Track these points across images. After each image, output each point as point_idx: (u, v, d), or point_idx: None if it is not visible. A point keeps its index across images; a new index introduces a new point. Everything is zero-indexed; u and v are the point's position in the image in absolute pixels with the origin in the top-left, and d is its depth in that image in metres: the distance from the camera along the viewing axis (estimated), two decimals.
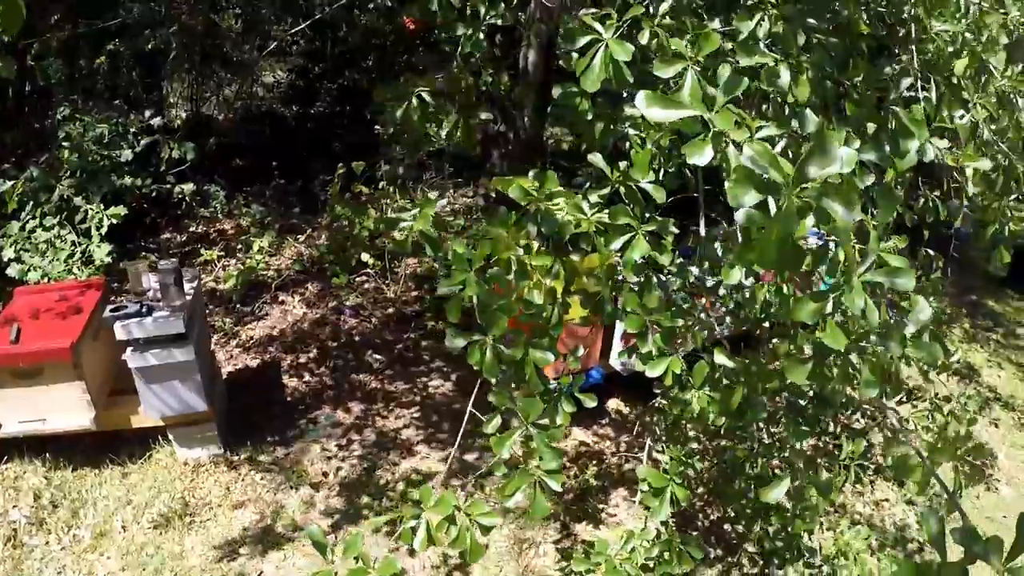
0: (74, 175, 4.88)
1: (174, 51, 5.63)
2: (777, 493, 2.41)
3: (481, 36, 3.15)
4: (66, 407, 3.94)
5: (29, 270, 4.60)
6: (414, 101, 2.80)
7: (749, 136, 1.73)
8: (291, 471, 4.08)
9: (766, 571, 3.46)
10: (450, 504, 2.23)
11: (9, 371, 3.83)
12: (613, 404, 4.66)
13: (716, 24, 2.24)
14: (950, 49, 2.41)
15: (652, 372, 2.40)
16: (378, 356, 4.90)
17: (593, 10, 2.23)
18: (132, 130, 5.08)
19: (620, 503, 4.09)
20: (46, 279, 4.63)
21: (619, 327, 4.19)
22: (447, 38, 5.95)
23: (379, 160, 5.51)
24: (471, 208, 6.19)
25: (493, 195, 6.12)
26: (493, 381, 2.33)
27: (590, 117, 2.48)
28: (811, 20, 2.29)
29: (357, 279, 5.45)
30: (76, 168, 4.89)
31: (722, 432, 2.97)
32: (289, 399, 4.61)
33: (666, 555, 2.67)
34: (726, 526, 3.97)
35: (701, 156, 1.65)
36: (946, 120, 2.28)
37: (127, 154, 5.02)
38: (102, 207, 4.79)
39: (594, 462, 4.27)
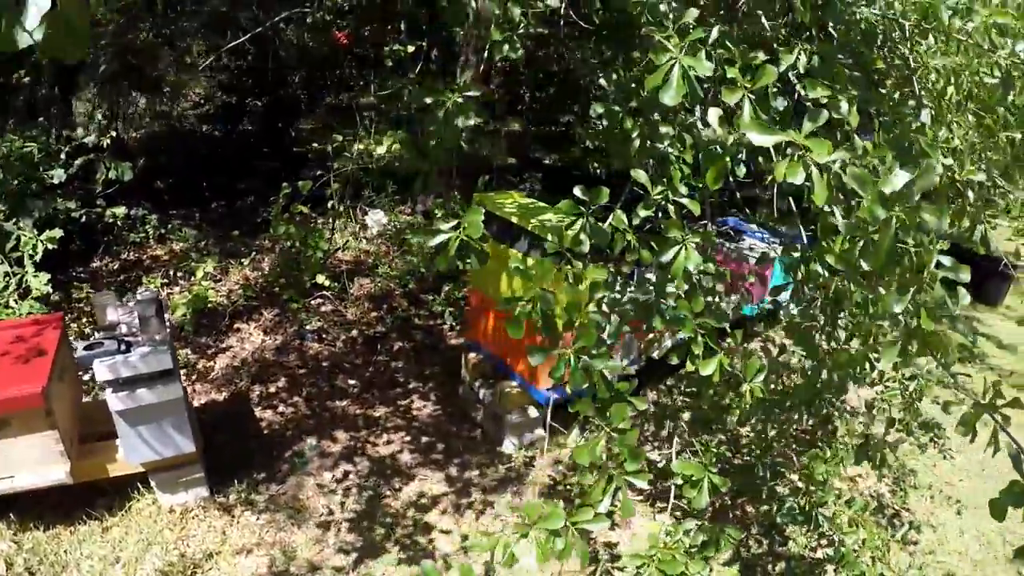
0: None
1: (103, 65, 5.21)
2: None
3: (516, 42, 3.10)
4: (37, 460, 3.59)
5: None
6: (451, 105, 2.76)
7: (833, 160, 2.01)
8: (290, 508, 3.90)
9: (773, 547, 3.81)
10: (560, 515, 2.32)
11: None
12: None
13: (762, 55, 2.50)
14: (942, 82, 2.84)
15: (705, 371, 2.61)
16: (351, 381, 4.79)
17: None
18: (65, 149, 4.65)
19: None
20: None
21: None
22: (392, 52, 5.97)
23: (323, 179, 5.38)
24: (412, 225, 6.16)
25: (440, 212, 6.14)
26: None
27: (635, 135, 2.68)
28: (839, 56, 2.62)
29: (312, 302, 5.30)
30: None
31: (748, 422, 3.26)
32: (266, 432, 4.40)
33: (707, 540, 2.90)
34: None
35: (796, 176, 1.90)
36: (949, 141, 2.70)
37: (59, 174, 4.60)
38: (35, 232, 4.37)
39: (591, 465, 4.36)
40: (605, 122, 2.79)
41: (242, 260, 5.41)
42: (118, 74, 5.43)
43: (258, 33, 5.37)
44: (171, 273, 5.22)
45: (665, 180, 2.52)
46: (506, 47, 2.78)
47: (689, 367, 2.60)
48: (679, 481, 2.96)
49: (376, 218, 6.20)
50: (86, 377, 4.32)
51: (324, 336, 5.05)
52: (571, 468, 4.29)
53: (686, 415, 3.44)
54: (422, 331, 5.43)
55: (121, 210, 5.04)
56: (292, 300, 4.92)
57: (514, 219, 4.01)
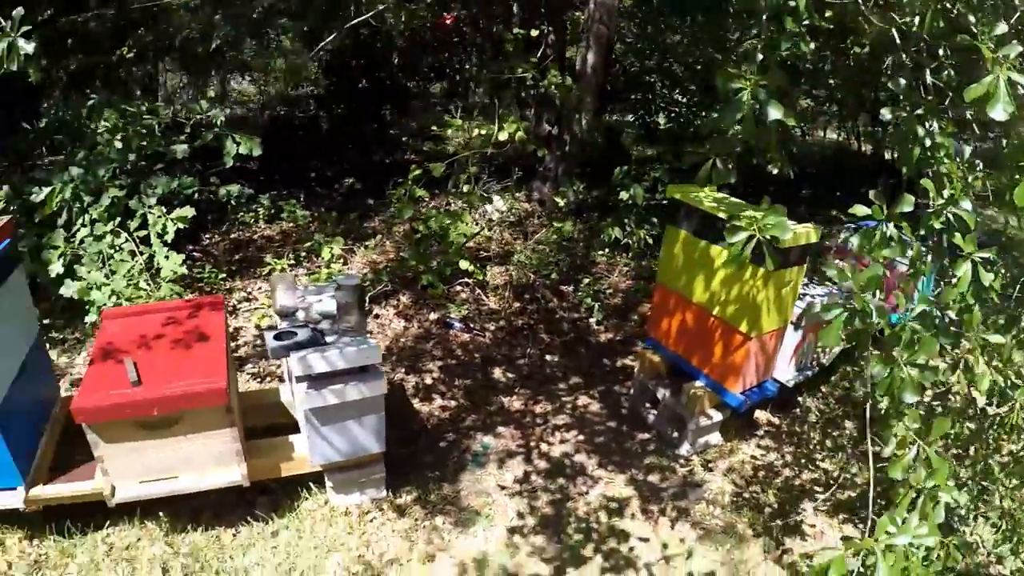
0: (118, 174, 4.08)
1: (217, 40, 4.85)
2: None
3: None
4: (213, 460, 3.32)
5: (92, 288, 3.79)
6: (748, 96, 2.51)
7: None
8: (471, 510, 3.64)
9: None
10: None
11: (133, 423, 3.18)
12: (764, 416, 4.54)
13: None
14: None
15: (982, 386, 2.42)
16: (509, 374, 4.50)
17: None
18: (191, 121, 4.31)
19: (809, 512, 3.99)
20: (113, 299, 3.85)
21: (789, 339, 4.16)
22: (514, 37, 5.63)
23: (451, 163, 5.06)
24: (532, 213, 5.86)
25: (562, 201, 5.86)
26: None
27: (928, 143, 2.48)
28: None
29: (452, 289, 5.03)
30: (119, 165, 4.08)
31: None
32: (428, 426, 4.16)
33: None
34: None
35: None
36: None
37: (183, 149, 4.26)
38: (163, 210, 4.05)
39: (768, 475, 4.19)
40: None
41: (366, 243, 5.09)
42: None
43: (364, 18, 5.04)
44: (287, 253, 4.89)
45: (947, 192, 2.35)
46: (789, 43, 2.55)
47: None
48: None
49: (496, 205, 5.92)
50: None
51: (471, 325, 4.77)
52: (750, 477, 4.07)
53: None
54: (567, 323, 5.19)
55: (235, 188, 4.72)
56: (431, 285, 4.62)
57: (721, 214, 3.74)
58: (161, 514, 3.60)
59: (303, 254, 4.94)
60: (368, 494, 3.65)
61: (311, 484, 3.62)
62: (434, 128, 6.14)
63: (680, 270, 4.03)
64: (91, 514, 3.66)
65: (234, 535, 3.51)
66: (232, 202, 4.78)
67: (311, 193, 6.15)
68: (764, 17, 2.42)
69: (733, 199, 3.99)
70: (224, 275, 4.93)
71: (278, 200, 5.49)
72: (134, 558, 3.46)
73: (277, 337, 3.28)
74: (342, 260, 4.73)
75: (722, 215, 3.69)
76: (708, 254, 3.86)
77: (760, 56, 2.35)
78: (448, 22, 6.30)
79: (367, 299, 3.48)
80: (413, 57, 7.03)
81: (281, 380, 4.28)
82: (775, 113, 2.19)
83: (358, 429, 3.40)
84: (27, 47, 2.29)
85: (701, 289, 3.94)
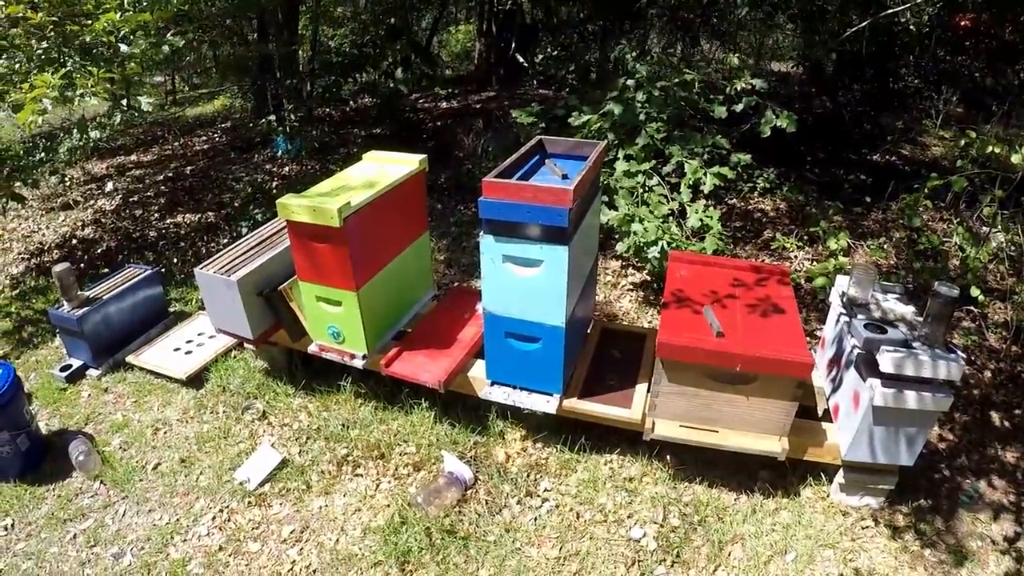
0: (656, 118, 4.29)
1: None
2: None
3: None
4: (756, 425, 3.48)
5: (631, 220, 4.06)
6: None
7: None
8: (959, 553, 3.60)
9: None
10: None
11: (708, 371, 3.40)
12: None
13: None
14: None
15: None
16: (1006, 423, 4.30)
17: None
18: (737, 84, 4.44)
19: None
20: (652, 237, 4.09)
21: None
22: None
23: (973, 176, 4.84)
24: None
25: None
26: None
27: None
28: None
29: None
30: (657, 111, 4.30)
31: None
32: (925, 451, 4.14)
33: None
34: None
35: None
36: None
37: (720, 111, 4.42)
38: (703, 162, 4.24)
39: None
40: None
41: (867, 242, 5.07)
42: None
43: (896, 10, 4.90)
44: (795, 233, 4.95)
45: None
46: None
47: None
48: None
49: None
50: None
51: (973, 359, 4.68)
52: None
53: None
54: None
55: (747, 156, 4.80)
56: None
57: None
58: (668, 457, 3.86)
59: (804, 237, 4.98)
60: (867, 501, 3.71)
61: (820, 473, 3.73)
62: (943, 134, 5.94)
63: None
64: (599, 436, 3.99)
65: (735, 499, 3.70)
66: (738, 170, 4.86)
67: (802, 176, 6.20)
68: None
69: None
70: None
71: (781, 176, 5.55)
72: (635, 490, 3.75)
73: (866, 327, 3.38)
74: (841, 253, 4.71)
75: None
76: None
77: None
78: (966, 24, 6.05)
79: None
80: (923, 58, 6.84)
81: None
82: None
83: (903, 438, 3.44)
84: None
85: None
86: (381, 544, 3.50)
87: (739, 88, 4.66)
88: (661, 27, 7.32)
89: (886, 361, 3.24)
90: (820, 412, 3.87)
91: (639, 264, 5.15)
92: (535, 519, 3.61)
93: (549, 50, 11.42)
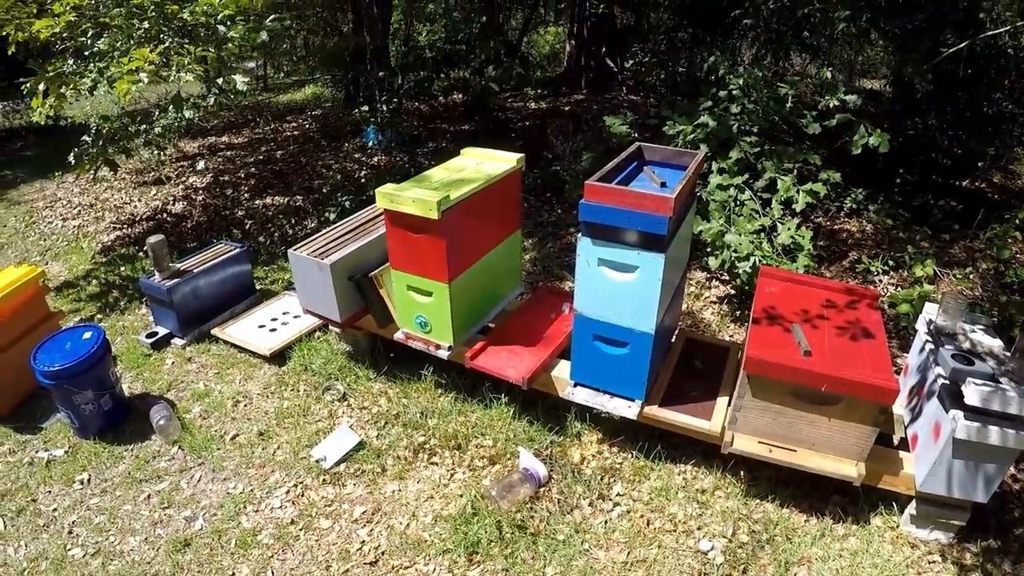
0: (748, 131, 4.41)
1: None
2: None
3: None
4: (835, 448, 3.55)
5: (724, 233, 4.20)
6: None
7: None
8: None
9: None
10: None
11: (793, 389, 3.51)
12: None
13: None
14: None
15: None
16: None
17: None
18: (831, 100, 4.54)
19: None
20: (742, 252, 4.21)
21: None
22: None
23: None
24: None
25: None
26: None
27: None
28: None
29: None
30: (751, 124, 4.42)
31: None
32: (1008, 489, 4.25)
33: None
34: None
35: None
36: None
37: (814, 127, 4.52)
38: (795, 179, 4.35)
39: None
40: None
41: (953, 272, 5.14)
42: None
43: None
44: (881, 256, 5.02)
45: None
46: None
47: None
48: None
49: None
50: None
51: None
52: None
53: None
54: None
55: (837, 174, 4.84)
56: None
57: None
58: (742, 472, 3.99)
59: (890, 261, 5.06)
60: (937, 535, 3.79)
61: (892, 502, 3.83)
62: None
63: None
64: (675, 446, 4.12)
65: (805, 521, 3.81)
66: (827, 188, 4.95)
67: (890, 198, 6.27)
68: None
69: None
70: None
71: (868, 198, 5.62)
72: (707, 503, 3.87)
73: (954, 357, 3.48)
74: (927, 281, 4.76)
75: None
76: None
77: None
78: None
79: None
80: (1020, 82, 6.87)
81: None
82: None
83: (980, 474, 3.52)
84: None
85: None
86: (451, 532, 3.66)
87: (832, 104, 4.75)
88: (753, 38, 7.48)
89: (972, 394, 3.31)
90: (896, 440, 3.97)
91: (726, 278, 5.26)
92: (605, 522, 3.75)
93: (640, 56, 11.59)
